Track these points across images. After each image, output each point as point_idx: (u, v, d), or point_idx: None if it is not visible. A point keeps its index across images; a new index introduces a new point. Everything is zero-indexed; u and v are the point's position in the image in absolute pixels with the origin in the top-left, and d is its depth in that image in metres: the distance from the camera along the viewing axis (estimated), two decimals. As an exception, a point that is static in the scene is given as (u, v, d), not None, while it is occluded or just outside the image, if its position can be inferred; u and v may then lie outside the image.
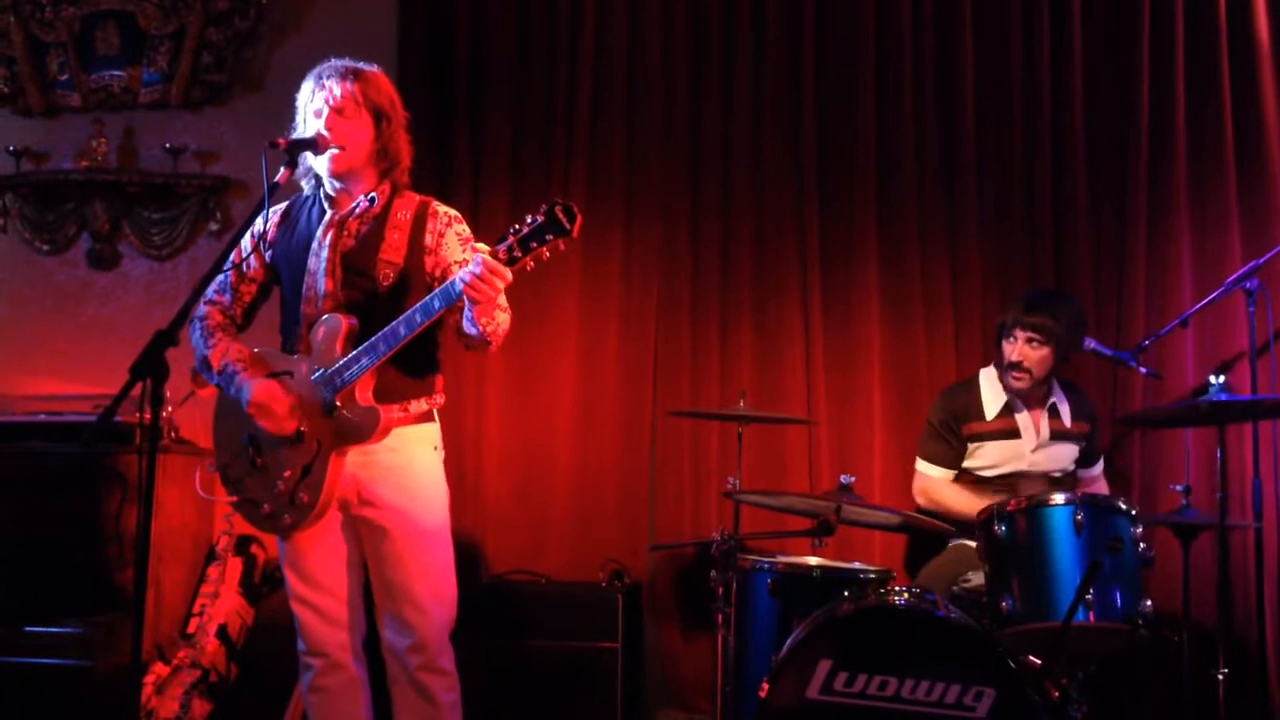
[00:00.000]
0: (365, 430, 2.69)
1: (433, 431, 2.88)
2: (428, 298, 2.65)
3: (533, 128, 4.63)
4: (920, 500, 3.79)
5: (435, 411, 2.89)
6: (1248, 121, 4.26)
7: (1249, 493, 3.67)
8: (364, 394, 2.70)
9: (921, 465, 3.80)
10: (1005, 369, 3.66)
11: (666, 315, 4.51)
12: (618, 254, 4.55)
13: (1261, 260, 3.74)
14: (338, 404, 2.69)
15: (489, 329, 2.69)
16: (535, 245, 2.52)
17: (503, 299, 2.71)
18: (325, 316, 2.76)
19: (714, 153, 4.54)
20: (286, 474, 2.74)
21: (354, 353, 2.69)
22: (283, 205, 2.95)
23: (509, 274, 2.54)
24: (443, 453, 2.91)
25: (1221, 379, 3.28)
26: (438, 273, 2.83)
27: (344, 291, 2.77)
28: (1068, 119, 4.35)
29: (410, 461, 2.81)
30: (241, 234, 2.76)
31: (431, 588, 2.79)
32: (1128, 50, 4.34)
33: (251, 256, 2.91)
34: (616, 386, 4.50)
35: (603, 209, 4.55)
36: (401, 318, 2.65)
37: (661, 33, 4.59)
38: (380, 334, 2.67)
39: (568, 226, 2.50)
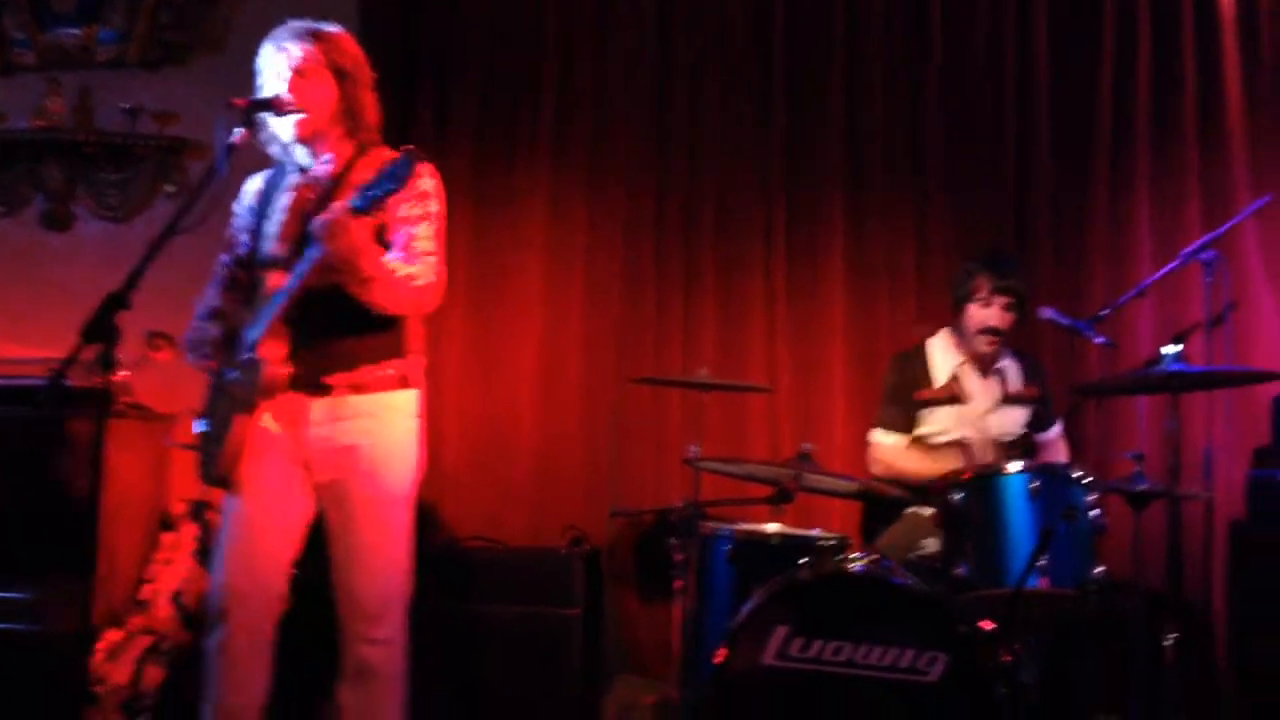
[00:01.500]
0: (253, 383, 2.64)
1: (409, 399, 2.82)
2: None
3: (498, 94, 4.60)
4: (877, 470, 3.81)
5: (415, 377, 2.84)
6: (1210, 94, 4.29)
7: (1201, 461, 3.71)
8: (266, 348, 2.64)
9: (877, 434, 3.82)
10: (978, 334, 3.66)
11: (630, 283, 4.50)
12: (582, 221, 4.54)
13: (1219, 232, 3.77)
14: (248, 357, 2.66)
15: (364, 295, 2.62)
16: (378, 197, 2.46)
17: (400, 266, 2.65)
18: (265, 280, 2.72)
19: (680, 121, 4.53)
20: (215, 424, 2.74)
21: (262, 309, 2.66)
22: (268, 172, 2.91)
23: (348, 227, 2.47)
24: (420, 420, 2.85)
25: (1176, 349, 3.31)
26: (386, 228, 2.74)
27: (296, 254, 2.71)
28: (1032, 90, 4.37)
29: (380, 428, 2.76)
30: (196, 197, 2.71)
31: (380, 556, 2.76)
32: (1092, 23, 4.35)
33: (240, 229, 2.88)
34: (579, 353, 4.50)
35: (568, 176, 4.54)
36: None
37: (630, 2, 4.56)
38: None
39: (403, 178, 2.44)
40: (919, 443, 3.78)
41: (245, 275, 2.87)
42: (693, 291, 4.47)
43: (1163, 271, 3.87)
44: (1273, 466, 3.83)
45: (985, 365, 3.75)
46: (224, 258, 2.93)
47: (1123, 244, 4.28)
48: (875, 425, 3.84)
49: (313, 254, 2.54)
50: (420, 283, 2.68)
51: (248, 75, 2.84)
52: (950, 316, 3.83)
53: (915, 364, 3.80)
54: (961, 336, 3.74)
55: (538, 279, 4.52)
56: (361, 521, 2.75)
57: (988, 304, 3.65)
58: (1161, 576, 3.70)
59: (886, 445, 3.79)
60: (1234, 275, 4.00)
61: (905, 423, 3.77)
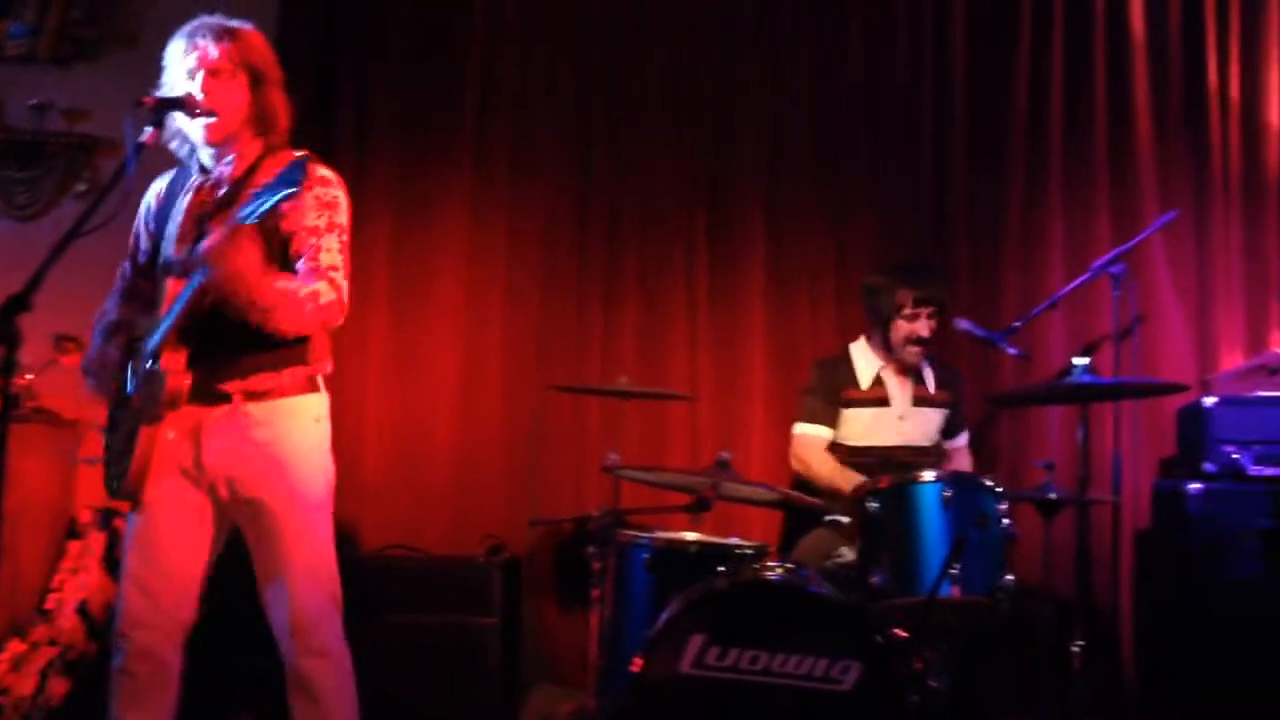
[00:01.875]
0: (154, 395, 2.55)
1: (312, 402, 2.74)
2: None
3: (420, 97, 4.56)
4: (796, 466, 3.85)
5: (320, 379, 2.77)
6: (1120, 112, 4.41)
7: (1109, 470, 3.80)
8: (166, 358, 2.55)
9: (800, 428, 3.85)
10: (906, 344, 3.73)
11: (551, 290, 4.49)
12: (503, 227, 4.52)
13: (1127, 246, 3.87)
14: (148, 368, 2.58)
15: (265, 325, 2.54)
16: (269, 207, 2.35)
17: (302, 284, 2.57)
18: (166, 283, 2.62)
19: (601, 128, 4.54)
20: (119, 438, 2.65)
21: (162, 318, 2.57)
22: (171, 173, 2.82)
23: (226, 252, 2.39)
24: (327, 425, 2.78)
25: (1086, 360, 3.39)
26: (291, 238, 2.66)
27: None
28: (949, 104, 4.45)
29: (284, 435, 2.67)
30: (104, 196, 2.63)
31: (306, 564, 2.67)
32: (1008, 39, 4.45)
33: (142, 232, 2.80)
34: (499, 360, 4.48)
35: (489, 182, 4.52)
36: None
37: (554, 7, 4.55)
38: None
39: (296, 183, 2.33)
40: (837, 449, 3.83)
41: (146, 283, 2.78)
42: (613, 299, 4.47)
43: (1073, 285, 3.96)
44: (1177, 477, 3.93)
45: (899, 369, 3.82)
46: (125, 265, 2.86)
47: (1036, 258, 4.38)
48: (798, 419, 3.87)
49: (199, 279, 2.45)
50: (324, 300, 2.59)
51: (161, 72, 2.76)
52: (867, 326, 3.89)
53: (839, 368, 3.86)
54: (885, 347, 3.79)
55: (458, 285, 4.49)
56: (283, 532, 2.66)
57: (914, 317, 3.72)
58: (1071, 584, 3.78)
59: (809, 439, 3.82)
60: (1142, 289, 4.11)
61: (827, 416, 3.82)
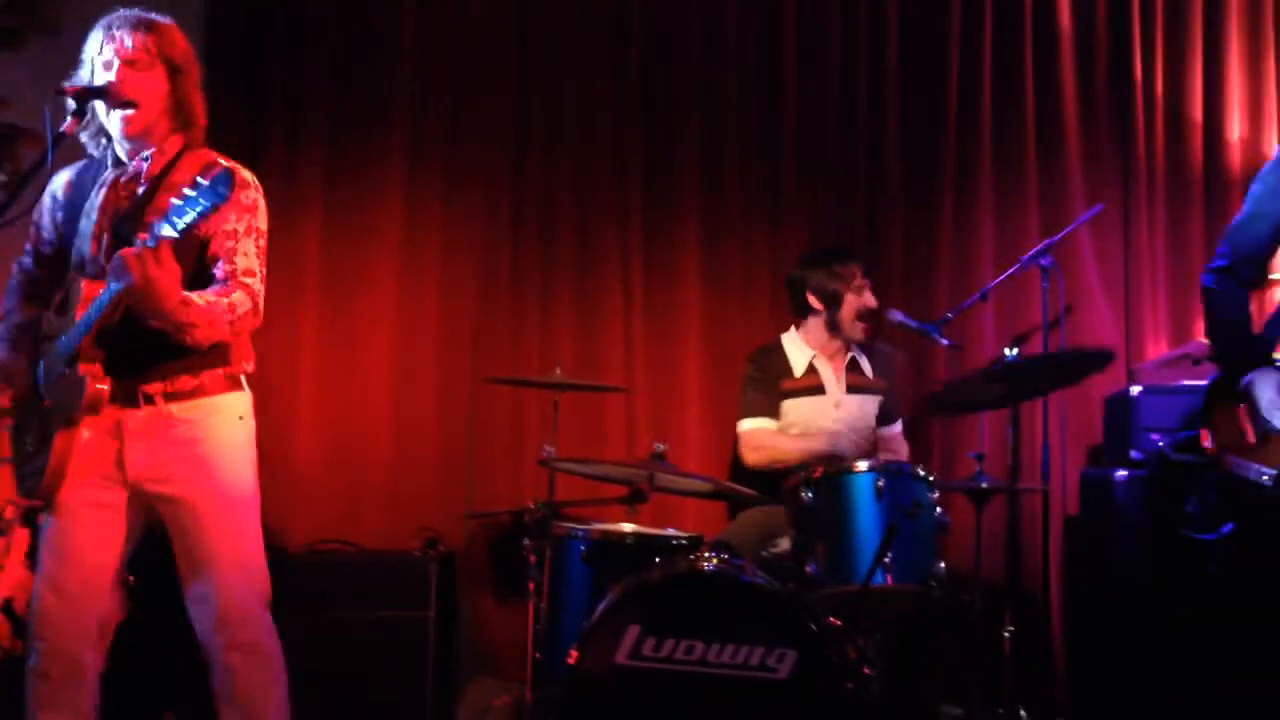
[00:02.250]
0: (73, 399, 2.53)
1: (236, 401, 2.73)
2: None
3: (352, 93, 4.50)
4: (757, 457, 3.83)
5: (243, 378, 2.76)
6: (1048, 107, 4.48)
7: (1039, 459, 3.86)
8: (84, 362, 2.53)
9: (744, 424, 3.87)
10: (857, 319, 3.82)
11: (487, 282, 4.46)
12: (437, 221, 4.48)
13: (1056, 238, 3.93)
14: (65, 372, 2.55)
15: (184, 340, 2.54)
16: (193, 220, 2.33)
17: (219, 297, 2.56)
18: (81, 283, 2.59)
19: (539, 119, 4.52)
20: (31, 438, 2.63)
21: (79, 318, 2.54)
22: (79, 164, 2.78)
23: (148, 265, 2.35)
24: (252, 422, 2.77)
25: (1016, 351, 3.44)
26: (209, 240, 2.65)
27: (109, 257, 2.55)
28: (881, 99, 4.50)
29: (208, 434, 2.67)
30: (24, 186, 2.58)
31: (233, 561, 2.66)
32: (939, 35, 4.50)
33: (47, 224, 2.75)
34: (435, 353, 4.44)
35: (423, 176, 4.49)
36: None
37: (486, 6, 4.53)
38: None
39: (223, 195, 2.29)
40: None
41: (47, 275, 2.75)
42: (549, 293, 4.46)
43: (1002, 276, 4.02)
44: (1104, 464, 4.00)
45: (832, 355, 3.87)
46: (24, 259, 2.81)
47: (967, 250, 4.44)
48: (742, 416, 3.89)
49: (114, 288, 2.42)
50: (241, 311, 2.60)
51: (81, 63, 2.72)
52: (798, 318, 3.93)
53: (773, 357, 3.91)
54: (832, 329, 3.84)
55: (392, 279, 4.44)
56: (208, 529, 2.65)
57: (861, 289, 3.82)
58: (1002, 571, 3.84)
59: (760, 431, 3.84)
60: (1070, 281, 4.19)
61: (770, 407, 3.85)
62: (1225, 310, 2.87)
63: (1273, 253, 2.90)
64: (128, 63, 2.61)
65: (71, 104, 2.55)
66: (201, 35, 4.31)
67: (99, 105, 2.62)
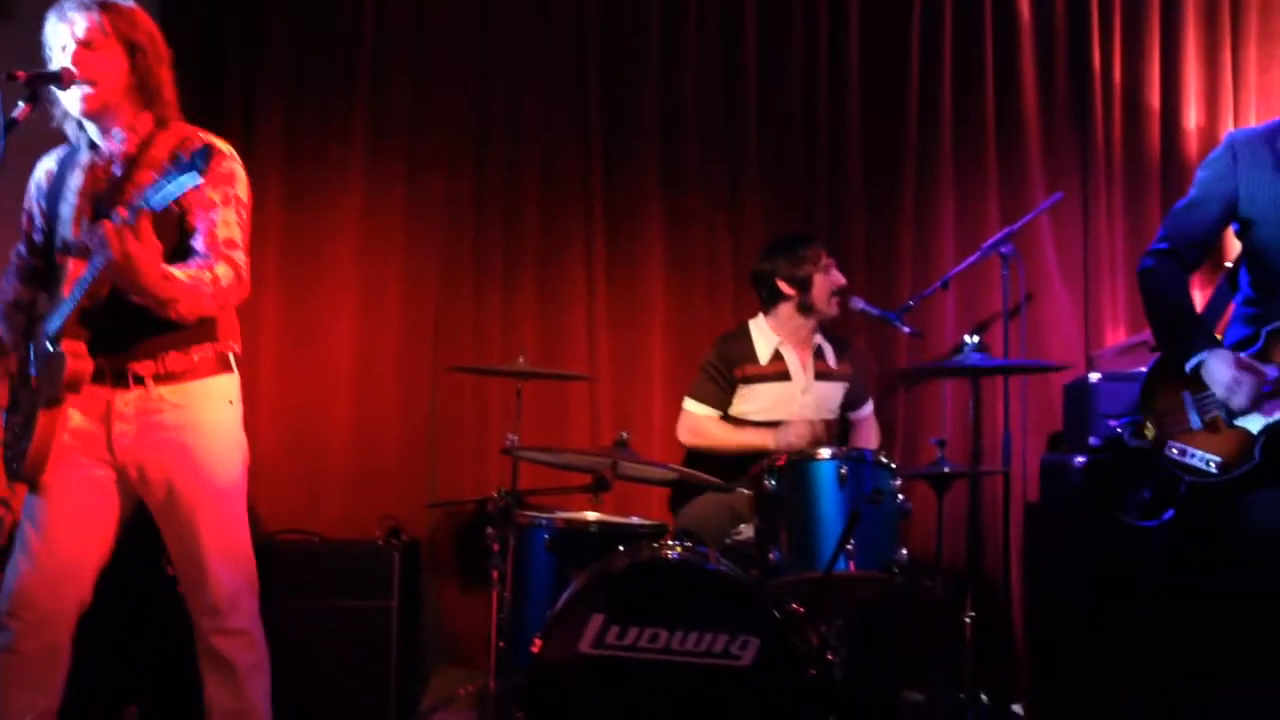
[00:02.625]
0: (56, 377, 2.53)
1: (225, 384, 2.73)
2: None
3: (311, 71, 4.46)
4: (687, 439, 3.90)
5: (231, 358, 2.74)
6: (1007, 95, 4.51)
7: (1000, 446, 3.89)
8: (68, 341, 2.53)
9: (689, 404, 3.91)
10: (830, 297, 3.85)
11: (448, 270, 4.45)
12: (399, 207, 4.46)
13: (1015, 227, 3.96)
14: (49, 350, 2.55)
15: (168, 315, 2.53)
16: (172, 194, 2.33)
17: (203, 271, 2.55)
18: (68, 263, 2.60)
19: (500, 107, 4.50)
20: (19, 419, 2.63)
21: (64, 298, 2.54)
22: (61, 152, 2.76)
23: (127, 241, 2.35)
24: (240, 406, 2.77)
25: (976, 339, 3.47)
26: (188, 212, 2.64)
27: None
28: (843, 88, 4.51)
29: (199, 418, 2.66)
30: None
31: (222, 546, 2.67)
32: (901, 25, 4.52)
33: (35, 212, 2.74)
34: (397, 341, 4.42)
35: (384, 162, 4.46)
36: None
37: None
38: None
39: (200, 171, 2.28)
40: (733, 421, 3.89)
41: (42, 262, 2.74)
42: (512, 280, 4.44)
43: (963, 265, 4.04)
44: (1064, 450, 4.04)
45: (797, 343, 3.89)
46: (19, 246, 2.81)
47: (928, 239, 4.47)
48: (690, 396, 3.93)
49: (97, 264, 2.42)
50: (225, 282, 2.59)
51: (37, 45, 2.68)
52: (765, 305, 3.94)
53: (738, 344, 3.92)
54: (805, 311, 3.86)
55: (353, 266, 4.41)
56: (199, 517, 2.65)
57: (829, 269, 3.86)
58: (963, 557, 3.88)
59: (699, 416, 3.88)
60: (1030, 268, 4.22)
61: (718, 399, 3.88)
62: (1167, 290, 2.83)
63: (1217, 237, 2.91)
64: (83, 44, 2.59)
65: (25, 90, 2.53)
66: (156, 12, 4.26)
67: (60, 92, 2.59)
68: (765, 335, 3.92)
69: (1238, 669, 2.97)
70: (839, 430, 3.99)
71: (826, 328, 3.96)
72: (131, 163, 2.64)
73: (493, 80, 4.49)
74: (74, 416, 2.60)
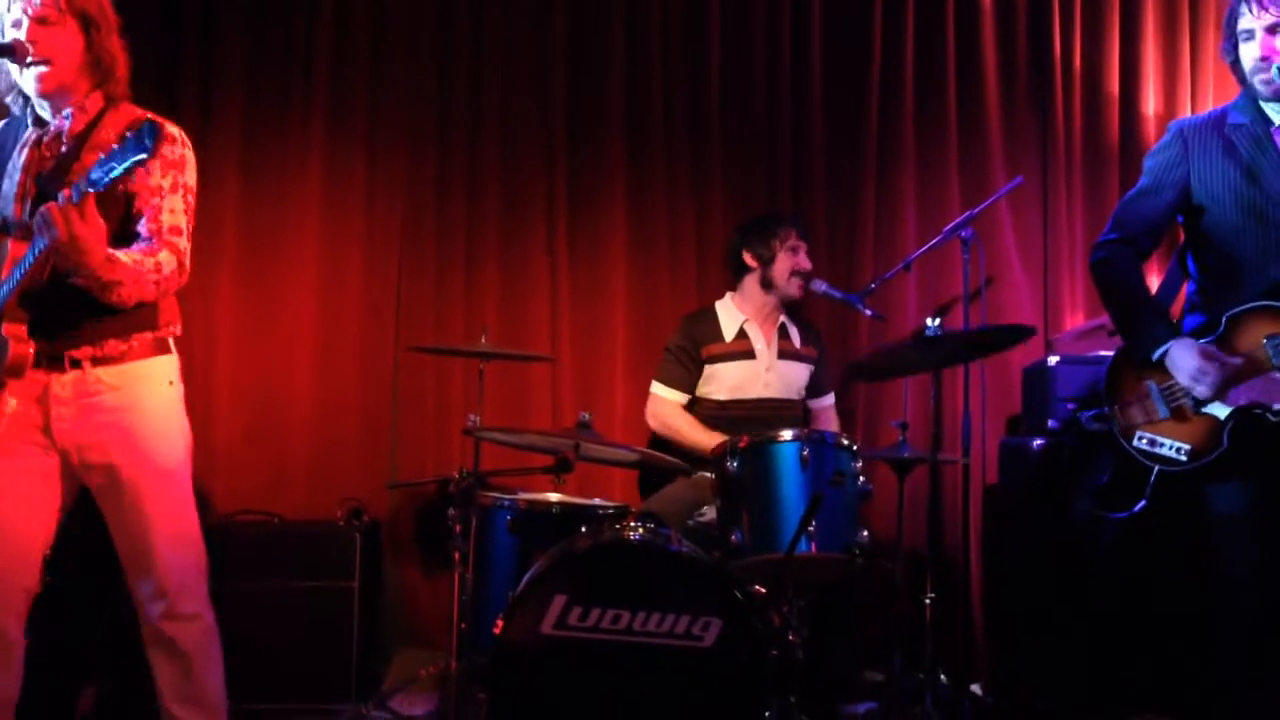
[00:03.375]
0: None
1: (164, 365, 2.68)
2: None
3: (269, 49, 4.40)
4: (653, 424, 3.94)
5: (171, 342, 2.70)
6: (969, 80, 4.54)
7: (960, 429, 3.92)
8: (7, 324, 2.48)
9: (657, 388, 3.94)
10: (792, 277, 3.90)
11: (410, 250, 4.42)
12: (359, 186, 4.42)
13: (976, 211, 3.97)
14: None
15: (110, 299, 2.49)
16: (118, 174, 2.29)
17: (145, 256, 2.51)
18: (7, 243, 2.54)
19: (461, 86, 4.47)
20: None
21: (3, 279, 2.49)
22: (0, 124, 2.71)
23: (72, 221, 2.31)
24: (180, 387, 2.72)
25: (937, 322, 3.48)
26: (134, 197, 2.59)
27: (34, 217, 2.50)
28: (806, 70, 4.52)
29: (138, 400, 2.62)
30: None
31: (167, 530, 2.62)
32: (863, 10, 4.53)
33: None
34: (358, 321, 4.39)
35: (344, 140, 4.41)
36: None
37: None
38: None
39: (149, 149, 2.25)
40: (703, 404, 3.90)
41: None
42: (474, 261, 4.42)
43: (924, 248, 4.06)
44: (1022, 433, 4.08)
45: (762, 321, 3.92)
46: None
47: (890, 222, 4.49)
48: (657, 378, 3.95)
49: (39, 245, 2.38)
50: (168, 270, 2.56)
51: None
52: (732, 280, 3.96)
53: (704, 323, 3.95)
54: (766, 286, 3.90)
55: (313, 246, 4.37)
56: (142, 498, 2.60)
57: (796, 250, 3.91)
58: (923, 539, 3.90)
59: (668, 401, 3.91)
60: (990, 252, 4.26)
61: (686, 382, 3.92)
62: (1124, 279, 2.83)
63: (1169, 224, 2.92)
64: (38, 20, 2.54)
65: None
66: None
67: (13, 66, 2.55)
68: (731, 313, 3.95)
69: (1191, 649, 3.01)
70: (802, 414, 4.01)
71: (793, 310, 3.98)
72: (79, 141, 2.59)
73: (454, 61, 4.46)
74: (9, 402, 2.55)
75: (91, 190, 2.29)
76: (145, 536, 2.61)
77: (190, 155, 2.67)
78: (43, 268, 2.44)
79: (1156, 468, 2.70)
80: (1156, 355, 2.72)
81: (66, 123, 2.61)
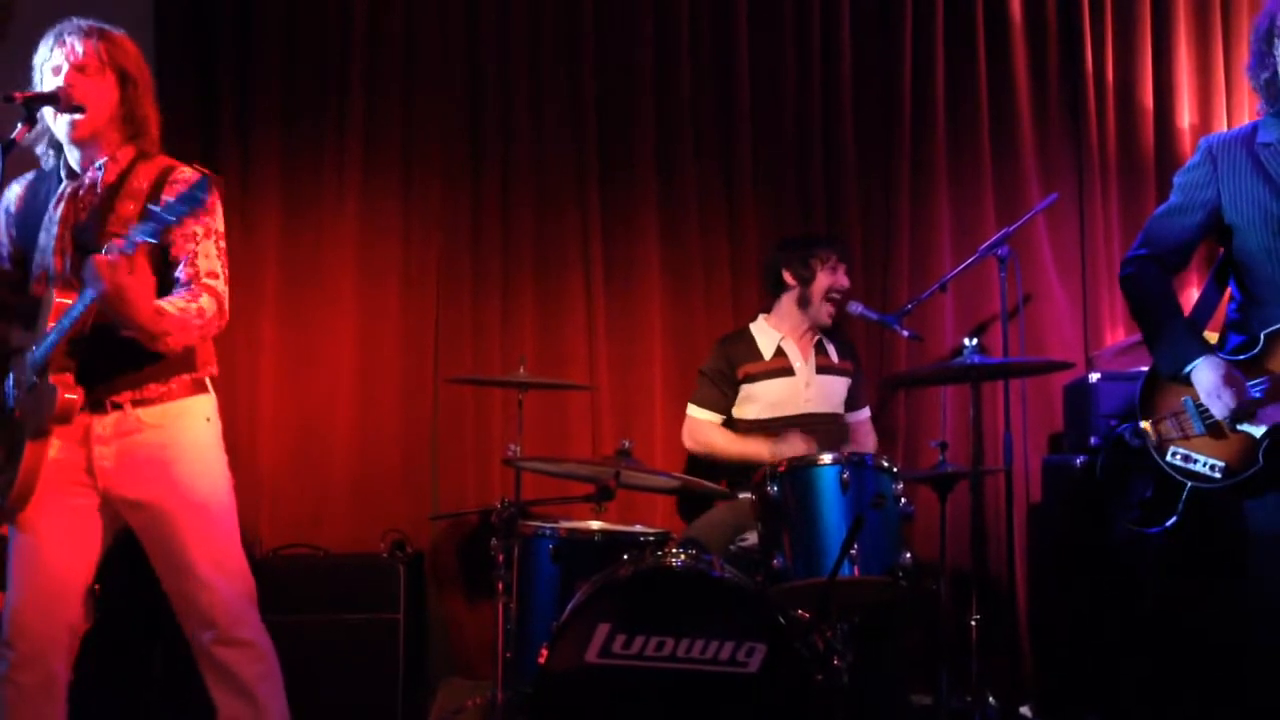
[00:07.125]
0: (44, 409, 2.52)
1: (202, 404, 2.73)
2: None
3: (305, 90, 4.45)
4: (690, 444, 3.96)
5: (208, 381, 2.75)
6: (1001, 98, 4.53)
7: (1000, 446, 3.89)
8: (55, 373, 2.53)
9: (693, 410, 3.96)
10: (825, 298, 3.91)
11: (447, 281, 4.45)
12: (396, 220, 4.46)
13: (1011, 229, 3.96)
14: (35, 382, 2.55)
15: (157, 349, 2.55)
16: (171, 223, 2.35)
17: (187, 303, 2.56)
18: (52, 294, 2.58)
19: (494, 118, 4.49)
20: (3, 451, 2.61)
21: (50, 329, 2.53)
22: (29, 177, 2.76)
23: (120, 273, 2.35)
24: (218, 424, 2.77)
25: (975, 341, 3.48)
26: (171, 245, 2.63)
27: (75, 270, 2.57)
28: (837, 94, 4.52)
29: (176, 437, 2.66)
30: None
31: (212, 560, 2.65)
32: (893, 29, 4.53)
33: (3, 239, 2.74)
34: (397, 354, 4.42)
35: (380, 174, 4.46)
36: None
37: (438, 3, 4.50)
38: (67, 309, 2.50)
39: (203, 201, 2.32)
40: (736, 425, 3.91)
41: (8, 291, 2.72)
42: (511, 290, 4.45)
43: (961, 267, 4.05)
44: (1065, 451, 4.04)
45: (799, 339, 3.94)
46: None
47: (925, 242, 4.47)
48: (693, 400, 3.97)
49: (89, 296, 2.43)
50: (209, 315, 2.61)
51: (31, 68, 2.70)
52: (768, 301, 4.00)
53: (740, 344, 3.97)
54: (801, 306, 3.91)
55: (351, 280, 4.41)
56: (184, 534, 2.63)
57: (835, 269, 3.93)
58: (967, 558, 3.88)
59: (701, 421, 3.93)
60: (1027, 270, 4.23)
61: (721, 404, 3.93)
62: (1153, 296, 2.80)
63: (1199, 243, 2.88)
64: (77, 68, 2.60)
65: (22, 110, 2.53)
66: (149, 35, 4.28)
67: (48, 112, 2.60)
68: (767, 334, 3.96)
69: (1236, 668, 2.96)
70: (844, 427, 3.99)
71: (828, 327, 3.98)
72: (112, 192, 2.63)
73: (486, 90, 4.50)
74: (53, 444, 2.59)
75: (143, 240, 2.33)
76: (189, 570, 2.64)
77: (219, 202, 2.71)
78: (87, 319, 2.49)
79: (1189, 484, 2.67)
80: (1186, 371, 2.69)
81: (99, 174, 2.66)
